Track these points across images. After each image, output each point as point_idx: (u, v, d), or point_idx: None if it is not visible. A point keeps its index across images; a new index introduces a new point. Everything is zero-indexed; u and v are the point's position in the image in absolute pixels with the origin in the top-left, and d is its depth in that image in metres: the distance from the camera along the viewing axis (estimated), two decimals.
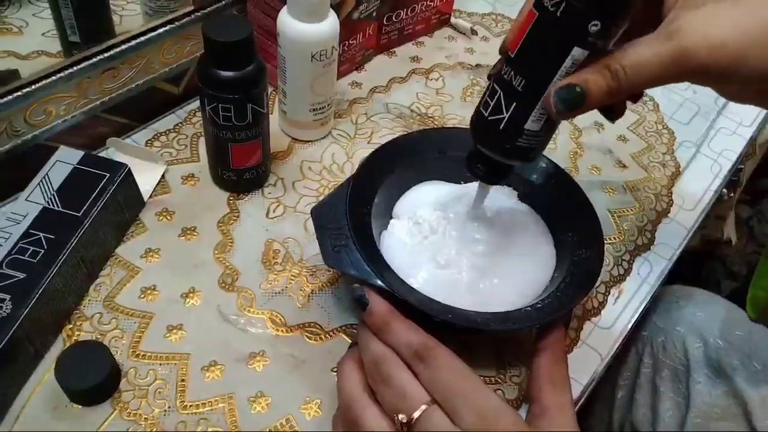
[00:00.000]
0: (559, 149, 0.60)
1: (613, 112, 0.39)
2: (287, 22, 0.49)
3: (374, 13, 0.62)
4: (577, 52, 0.32)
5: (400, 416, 0.33)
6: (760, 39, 0.31)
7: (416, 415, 0.33)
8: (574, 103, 0.33)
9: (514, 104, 0.34)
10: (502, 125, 0.35)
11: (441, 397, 0.33)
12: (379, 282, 0.38)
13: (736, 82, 0.34)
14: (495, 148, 0.36)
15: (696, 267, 1.15)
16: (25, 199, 0.43)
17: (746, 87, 0.35)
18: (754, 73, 0.32)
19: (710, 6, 0.32)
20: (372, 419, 0.34)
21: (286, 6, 0.49)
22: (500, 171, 0.39)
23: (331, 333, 0.44)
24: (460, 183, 0.49)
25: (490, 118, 0.35)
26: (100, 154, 0.51)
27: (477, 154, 0.38)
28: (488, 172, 0.39)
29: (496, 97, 0.34)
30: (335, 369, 0.41)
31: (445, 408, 0.33)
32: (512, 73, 0.34)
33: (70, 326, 0.42)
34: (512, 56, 0.34)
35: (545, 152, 0.41)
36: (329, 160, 0.56)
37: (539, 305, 0.40)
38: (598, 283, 0.50)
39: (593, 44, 0.31)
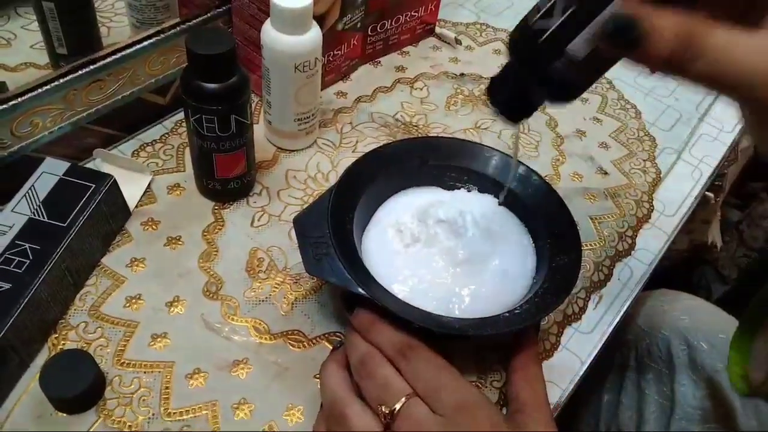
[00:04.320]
0: (541, 157, 0.61)
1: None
2: (270, 34, 0.50)
3: (359, 24, 0.62)
4: None
5: (383, 408, 0.35)
6: None
7: (398, 406, 0.34)
8: (624, 37, 0.27)
9: (569, 12, 0.29)
10: (545, 35, 0.30)
11: (422, 389, 0.35)
12: (360, 290, 0.38)
13: None
14: (529, 62, 0.32)
15: (687, 271, 1.16)
16: (11, 210, 0.43)
17: None
18: None
19: None
20: (357, 413, 0.35)
21: (269, 18, 0.50)
22: (522, 103, 0.35)
23: (314, 340, 0.44)
24: (442, 191, 0.49)
25: (536, 25, 0.31)
26: (87, 165, 0.52)
27: (502, 77, 0.34)
28: (510, 99, 0.35)
29: (550, 2, 0.30)
30: (318, 376, 0.42)
31: (425, 399, 0.35)
32: None
33: (56, 335, 0.42)
34: None
35: (525, 160, 0.42)
36: (314, 169, 0.56)
37: (517, 311, 0.41)
38: (578, 289, 0.51)
39: None
